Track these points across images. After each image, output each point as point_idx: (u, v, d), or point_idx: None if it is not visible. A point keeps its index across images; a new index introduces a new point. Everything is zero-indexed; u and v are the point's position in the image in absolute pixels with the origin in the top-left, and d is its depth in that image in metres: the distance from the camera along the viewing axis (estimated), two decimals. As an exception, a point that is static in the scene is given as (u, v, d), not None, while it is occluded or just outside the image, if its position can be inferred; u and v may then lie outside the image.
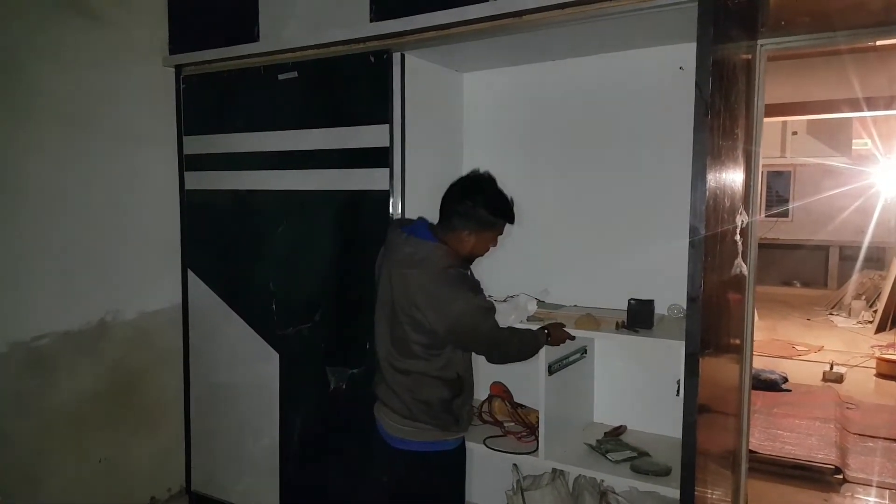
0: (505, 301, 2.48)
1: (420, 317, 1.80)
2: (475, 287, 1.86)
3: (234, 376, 2.91)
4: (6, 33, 2.39)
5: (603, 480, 2.42)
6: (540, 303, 2.45)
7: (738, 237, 2.21)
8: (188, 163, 3.00)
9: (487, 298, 1.88)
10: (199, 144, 2.96)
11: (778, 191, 12.43)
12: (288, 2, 2.59)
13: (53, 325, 2.56)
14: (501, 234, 1.95)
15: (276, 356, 2.76)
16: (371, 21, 2.39)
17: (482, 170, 1.95)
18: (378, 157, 2.45)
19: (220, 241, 2.94)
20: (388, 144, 2.43)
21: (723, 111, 1.98)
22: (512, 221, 1.93)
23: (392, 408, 1.92)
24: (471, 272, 1.95)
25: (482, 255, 1.96)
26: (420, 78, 2.51)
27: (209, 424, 3.03)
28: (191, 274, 3.02)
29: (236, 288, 2.90)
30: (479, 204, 1.86)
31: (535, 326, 2.24)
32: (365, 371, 2.50)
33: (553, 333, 2.08)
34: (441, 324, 1.79)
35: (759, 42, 2.48)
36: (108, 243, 2.74)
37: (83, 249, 2.66)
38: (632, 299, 2.15)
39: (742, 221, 2.25)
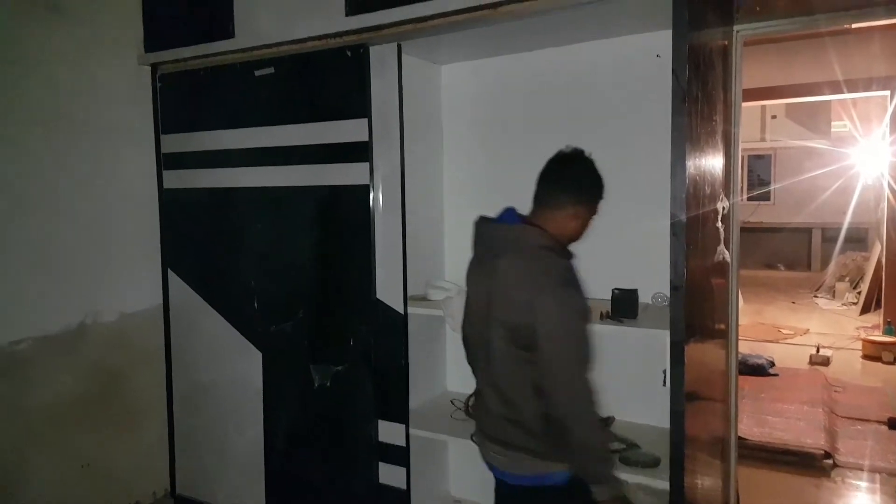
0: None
1: (504, 307, 1.55)
2: (572, 280, 1.57)
3: (217, 376, 2.88)
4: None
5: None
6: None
7: (719, 224, 2.22)
8: (166, 161, 2.96)
9: (586, 301, 1.57)
10: (177, 142, 2.92)
11: (759, 174, 12.50)
12: (262, -4, 2.55)
13: (32, 330, 2.52)
14: (596, 213, 1.74)
15: (258, 355, 2.74)
16: (347, 15, 2.36)
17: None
18: (357, 152, 2.42)
19: (200, 240, 2.91)
20: (367, 139, 2.41)
21: (700, 97, 1.98)
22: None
23: (487, 432, 1.68)
24: (572, 262, 1.67)
25: (578, 241, 1.73)
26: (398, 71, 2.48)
27: (193, 426, 3.00)
28: (171, 273, 2.99)
29: (217, 286, 2.87)
30: (590, 175, 1.68)
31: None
32: (349, 368, 2.49)
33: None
34: (522, 316, 1.50)
35: (735, 27, 2.48)
36: (87, 244, 2.71)
37: (62, 251, 2.62)
38: (615, 289, 2.15)
39: (723, 208, 2.25)
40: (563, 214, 1.66)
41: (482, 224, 1.75)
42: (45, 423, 2.58)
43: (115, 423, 2.85)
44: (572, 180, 1.68)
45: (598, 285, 2.37)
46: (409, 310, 2.38)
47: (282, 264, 2.66)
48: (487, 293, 1.61)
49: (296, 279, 2.64)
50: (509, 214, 1.70)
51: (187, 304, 2.94)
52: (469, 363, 1.78)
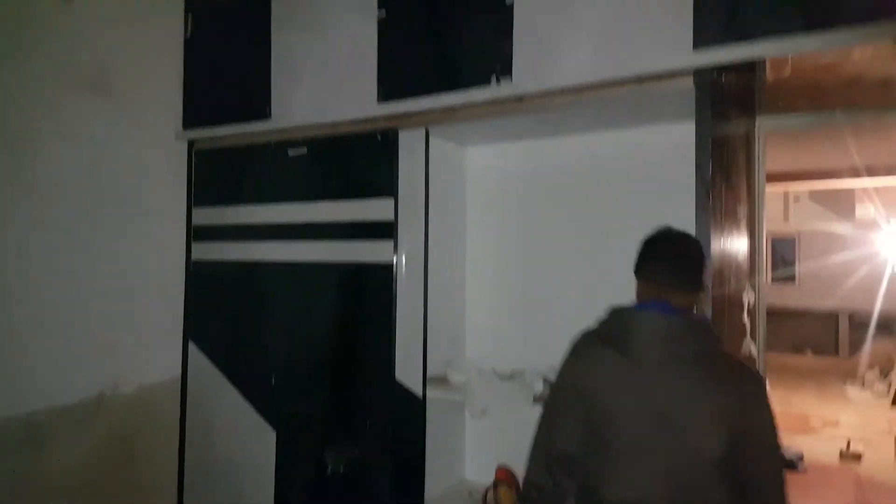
0: (510, 377, 2.44)
1: (711, 421, 1.36)
2: None
3: (229, 453, 2.83)
4: (20, 108, 2.45)
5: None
6: (545, 381, 2.40)
7: (745, 318, 2.18)
8: (196, 234, 3.03)
9: None
10: (208, 216, 3.00)
11: (783, 255, 12.38)
12: (299, 82, 2.66)
13: (51, 400, 2.50)
14: None
15: (272, 433, 2.69)
16: (378, 102, 2.45)
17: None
18: (383, 230, 2.47)
19: (223, 313, 2.93)
20: (392, 218, 2.45)
21: (724, 191, 2.00)
22: None
23: None
24: None
25: None
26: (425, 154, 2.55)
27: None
28: (191, 345, 2.99)
29: (236, 360, 2.86)
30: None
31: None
32: (364, 452, 2.44)
33: None
34: (736, 427, 1.35)
35: (758, 121, 2.53)
36: (112, 314, 2.73)
37: (86, 321, 2.63)
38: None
39: (749, 301, 2.22)
40: (699, 297, 1.54)
41: (631, 316, 1.50)
42: (58, 497, 2.52)
43: (127, 498, 2.78)
44: (701, 260, 1.55)
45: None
46: (428, 393, 2.35)
47: (301, 340, 2.66)
48: (666, 404, 1.40)
49: (314, 356, 2.63)
50: (661, 304, 1.48)
51: (205, 377, 2.93)
52: (557, 484, 1.54)
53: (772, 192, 9.66)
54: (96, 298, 2.67)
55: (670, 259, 1.53)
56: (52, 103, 2.54)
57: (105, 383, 2.69)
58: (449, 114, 2.32)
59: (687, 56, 1.85)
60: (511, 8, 2.14)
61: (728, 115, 2.08)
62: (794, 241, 12.12)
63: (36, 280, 2.48)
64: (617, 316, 1.55)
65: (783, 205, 11.82)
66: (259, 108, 2.76)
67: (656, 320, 1.45)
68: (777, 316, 10.26)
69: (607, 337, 1.53)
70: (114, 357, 2.73)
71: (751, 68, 1.93)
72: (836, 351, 11.46)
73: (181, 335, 3.01)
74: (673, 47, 1.87)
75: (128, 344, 2.79)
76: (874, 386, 8.51)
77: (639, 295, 1.56)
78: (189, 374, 2.99)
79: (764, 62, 1.94)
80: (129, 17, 2.80)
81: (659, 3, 1.90)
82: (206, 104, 2.97)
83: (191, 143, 3.04)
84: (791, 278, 12.03)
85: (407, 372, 2.37)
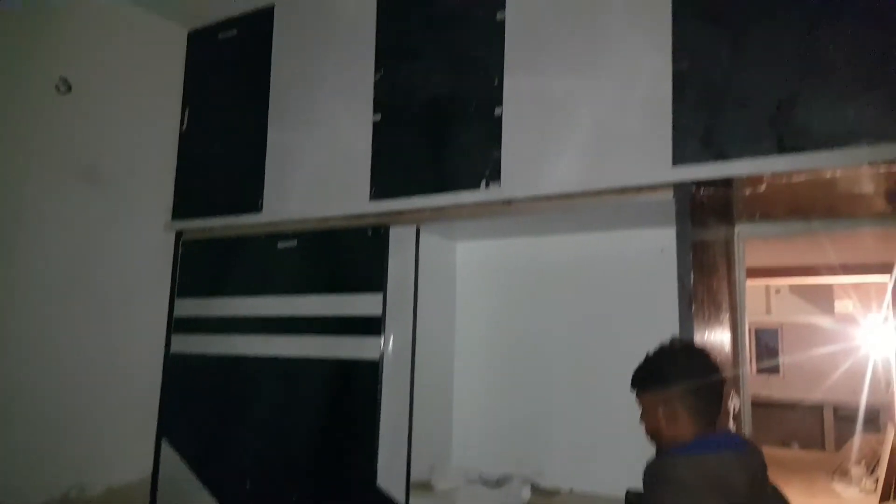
0: (497, 484, 2.36)
1: None
2: None
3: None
4: (14, 194, 2.47)
5: None
6: (533, 487, 2.33)
7: (731, 424, 2.16)
8: (177, 325, 2.98)
9: None
10: (191, 307, 2.96)
11: (767, 343, 12.43)
12: (292, 178, 2.72)
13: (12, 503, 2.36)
14: None
15: (245, 544, 2.55)
16: (370, 199, 2.50)
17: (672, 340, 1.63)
18: (370, 326, 2.45)
19: (200, 409, 2.84)
20: (380, 313, 2.44)
21: (705, 296, 2.04)
22: None
23: None
24: None
25: None
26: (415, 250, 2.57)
27: None
28: (164, 444, 2.87)
29: (211, 461, 2.74)
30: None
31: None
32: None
33: None
34: None
35: (737, 228, 2.61)
36: (82, 408, 2.62)
37: (54, 415, 2.53)
38: (629, 492, 2.05)
39: (734, 407, 2.21)
40: None
41: (718, 463, 1.35)
42: None
43: None
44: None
45: (613, 477, 2.25)
46: (412, 502, 2.26)
47: (279, 441, 2.57)
48: None
49: (293, 458, 2.53)
50: (732, 439, 1.49)
51: (176, 479, 2.79)
52: None
53: (753, 285, 9.81)
54: (66, 390, 2.58)
55: (713, 381, 1.45)
56: (43, 190, 2.56)
57: (71, 484, 2.56)
58: (439, 213, 2.37)
59: (666, 171, 1.94)
60: (500, 119, 2.24)
61: (707, 223, 2.14)
62: (776, 331, 12.22)
63: (15, 373, 2.41)
64: (696, 465, 1.36)
65: (765, 297, 11.99)
66: (251, 201, 2.80)
67: (745, 461, 1.36)
68: (763, 407, 10.18)
69: (694, 489, 1.33)
70: (81, 455, 2.61)
71: (728, 183, 2.02)
72: (822, 444, 11.31)
73: (154, 432, 2.89)
74: (653, 162, 1.96)
75: (97, 440, 2.67)
76: (862, 482, 8.33)
77: (671, 423, 1.44)
78: (160, 474, 2.86)
79: (740, 178, 2.03)
80: (126, 109, 2.87)
81: (641, 121, 2.01)
82: (197, 196, 3.01)
83: (178, 234, 3.05)
84: (775, 369, 12.05)
85: (389, 477, 2.29)
